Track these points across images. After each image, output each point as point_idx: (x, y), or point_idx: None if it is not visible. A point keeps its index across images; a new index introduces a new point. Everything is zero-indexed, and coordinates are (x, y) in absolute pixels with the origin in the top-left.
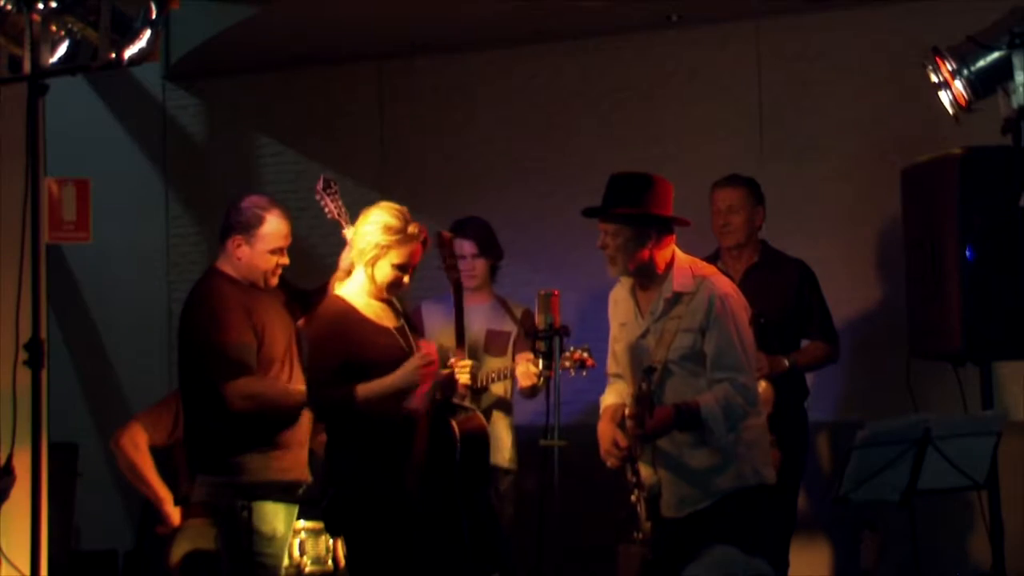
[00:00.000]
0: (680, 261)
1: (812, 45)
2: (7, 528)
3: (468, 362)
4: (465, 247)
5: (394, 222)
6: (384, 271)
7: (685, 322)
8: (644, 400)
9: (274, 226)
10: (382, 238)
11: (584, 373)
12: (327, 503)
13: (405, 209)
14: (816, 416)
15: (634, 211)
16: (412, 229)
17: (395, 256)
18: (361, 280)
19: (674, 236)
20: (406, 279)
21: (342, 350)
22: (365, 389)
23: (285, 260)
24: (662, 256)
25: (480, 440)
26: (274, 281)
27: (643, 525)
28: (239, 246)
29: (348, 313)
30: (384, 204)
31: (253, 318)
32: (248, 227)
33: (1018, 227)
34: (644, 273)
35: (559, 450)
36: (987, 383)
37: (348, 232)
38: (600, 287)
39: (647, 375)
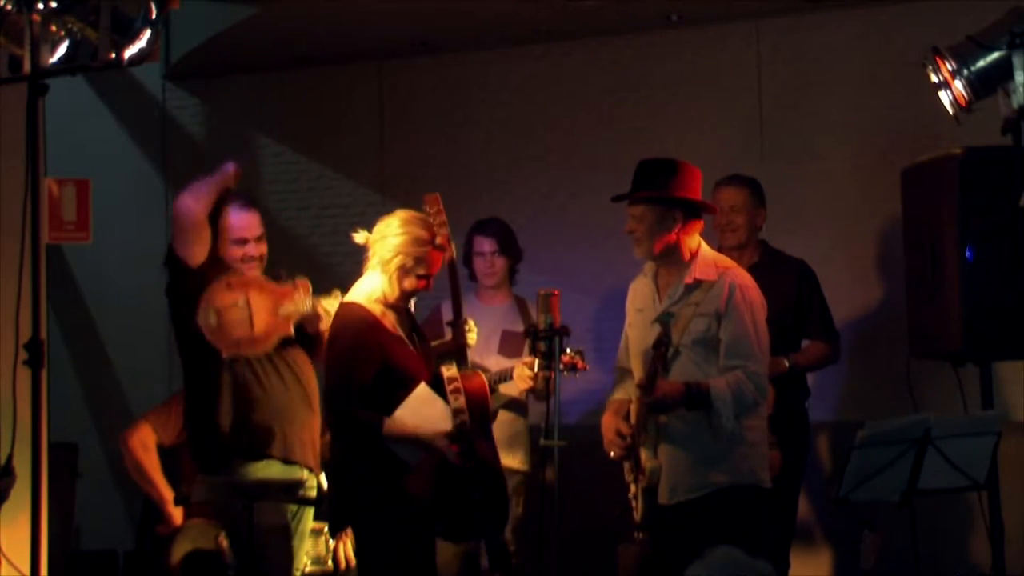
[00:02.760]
0: (705, 253)
1: (812, 45)
2: (7, 528)
3: (470, 322)
4: (485, 244)
5: (424, 234)
6: (411, 281)
7: (702, 307)
8: (654, 369)
9: (229, 219)
10: (413, 249)
11: (576, 375)
12: (329, 502)
13: (428, 219)
14: (816, 416)
15: (659, 194)
16: (440, 240)
17: (423, 267)
18: (377, 286)
19: (701, 222)
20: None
21: (377, 358)
22: (392, 425)
23: (251, 251)
24: (688, 242)
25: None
26: (250, 271)
27: (638, 520)
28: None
29: (374, 321)
30: (410, 214)
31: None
32: (216, 223)
33: (1018, 227)
34: (669, 258)
35: (559, 450)
36: (987, 383)
37: (360, 237)
38: (600, 287)
39: (660, 344)
